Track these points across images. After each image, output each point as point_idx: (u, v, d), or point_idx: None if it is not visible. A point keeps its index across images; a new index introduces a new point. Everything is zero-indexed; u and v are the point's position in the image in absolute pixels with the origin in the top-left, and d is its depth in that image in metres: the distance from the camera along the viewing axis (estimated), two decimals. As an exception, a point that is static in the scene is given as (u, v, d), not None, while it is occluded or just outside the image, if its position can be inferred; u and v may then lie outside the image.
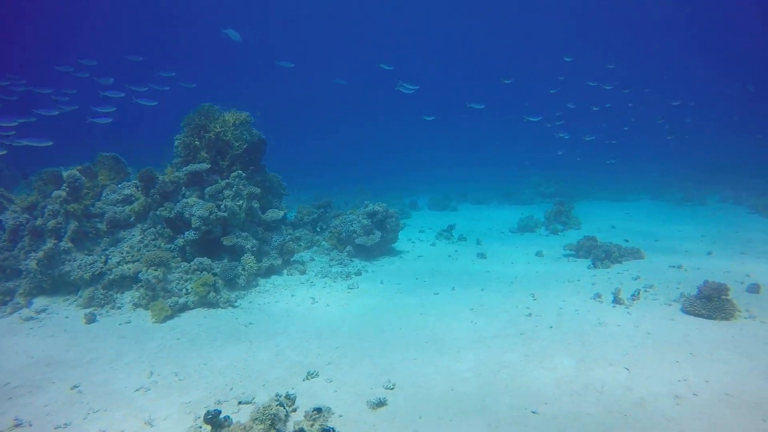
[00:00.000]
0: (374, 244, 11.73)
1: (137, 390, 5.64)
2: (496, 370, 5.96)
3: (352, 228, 12.05)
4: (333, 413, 5.19)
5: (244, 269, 9.25)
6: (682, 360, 6.00)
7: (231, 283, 9.00)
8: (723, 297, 7.52)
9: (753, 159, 29.75)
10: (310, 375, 6.05)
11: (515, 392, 5.39)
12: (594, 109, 26.22)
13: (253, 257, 9.50)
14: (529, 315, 7.83)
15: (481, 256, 12.23)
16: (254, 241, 9.85)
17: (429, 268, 11.19)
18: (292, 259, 10.87)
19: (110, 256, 8.90)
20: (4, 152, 9.49)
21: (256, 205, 10.18)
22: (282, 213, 10.89)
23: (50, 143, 9.66)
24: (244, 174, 10.03)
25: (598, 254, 11.12)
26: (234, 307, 8.50)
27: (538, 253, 12.38)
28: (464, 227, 16.43)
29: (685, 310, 7.70)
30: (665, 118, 27.59)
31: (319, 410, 5.05)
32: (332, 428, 4.64)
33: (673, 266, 10.64)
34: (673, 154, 36.08)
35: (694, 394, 5.16)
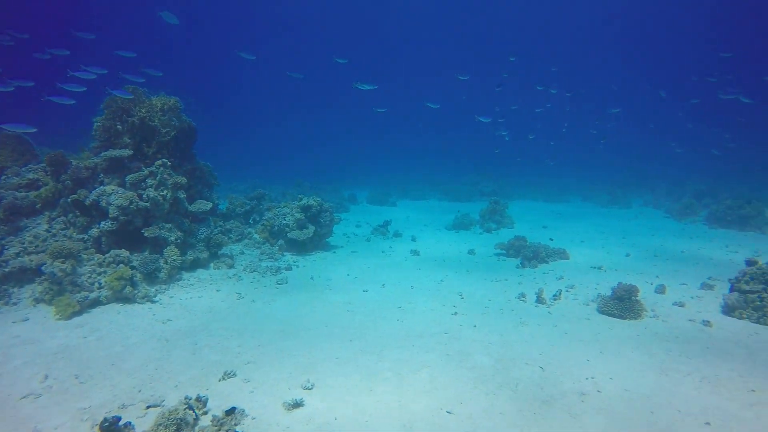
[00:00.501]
0: (307, 238, 11.51)
1: (24, 397, 5.15)
2: (416, 369, 5.97)
3: (284, 221, 11.76)
4: (246, 415, 5.00)
5: (166, 262, 8.77)
6: (592, 358, 6.27)
7: (151, 276, 8.51)
8: (633, 298, 7.97)
9: (670, 165, 32.04)
10: (227, 375, 5.81)
11: (433, 392, 5.42)
12: (537, 111, 27.29)
13: (177, 250, 9.03)
14: (455, 314, 7.94)
15: (415, 253, 12.32)
16: (179, 232, 9.36)
17: (361, 265, 11.13)
18: (220, 253, 10.45)
19: (7, 246, 8.13)
20: None
21: (182, 196, 9.67)
22: (210, 204, 10.44)
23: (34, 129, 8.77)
24: (170, 162, 9.48)
25: (527, 254, 11.50)
26: (153, 302, 8.03)
27: (471, 251, 12.64)
28: (401, 223, 16.53)
29: (600, 310, 8.09)
30: (598, 123, 29.12)
31: (231, 412, 4.84)
32: (240, 433, 4.44)
33: (594, 267, 11.18)
34: (604, 158, 38.15)
35: (599, 391, 5.40)
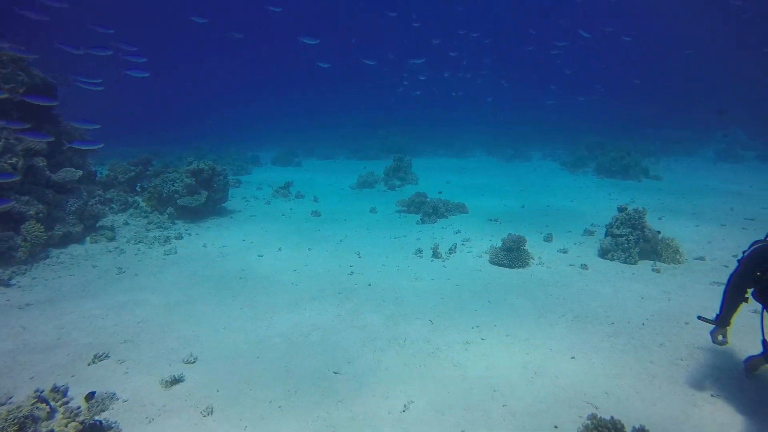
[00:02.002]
0: (200, 204, 10.79)
1: None
2: (306, 332, 5.84)
3: (173, 188, 10.90)
4: (117, 399, 4.59)
5: (26, 240, 7.74)
6: (480, 308, 6.51)
7: (4, 258, 7.48)
8: (521, 248, 8.38)
9: (570, 119, 34.09)
10: (98, 357, 5.31)
11: (321, 354, 5.32)
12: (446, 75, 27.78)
13: (39, 225, 7.99)
14: (351, 273, 7.88)
15: (315, 214, 12.06)
16: (40, 205, 8.28)
17: (259, 229, 10.69)
18: (98, 225, 9.48)
19: None
20: None
21: (41, 164, 8.50)
22: (80, 172, 9.31)
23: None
24: (22, 126, 8.23)
25: (426, 210, 11.69)
26: (7, 286, 7.09)
27: (372, 210, 12.62)
28: (304, 184, 16.11)
29: (492, 261, 8.43)
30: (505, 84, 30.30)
31: (90, 397, 4.41)
32: (99, 422, 4.04)
33: (491, 219, 11.65)
34: (509, 114, 39.62)
35: (482, 339, 5.61)
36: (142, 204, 11.11)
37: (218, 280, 7.61)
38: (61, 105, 9.49)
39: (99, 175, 11.65)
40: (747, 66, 42.64)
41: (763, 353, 4.10)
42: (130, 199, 11.24)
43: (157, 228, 10.20)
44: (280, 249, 9.19)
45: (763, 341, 4.03)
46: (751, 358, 4.60)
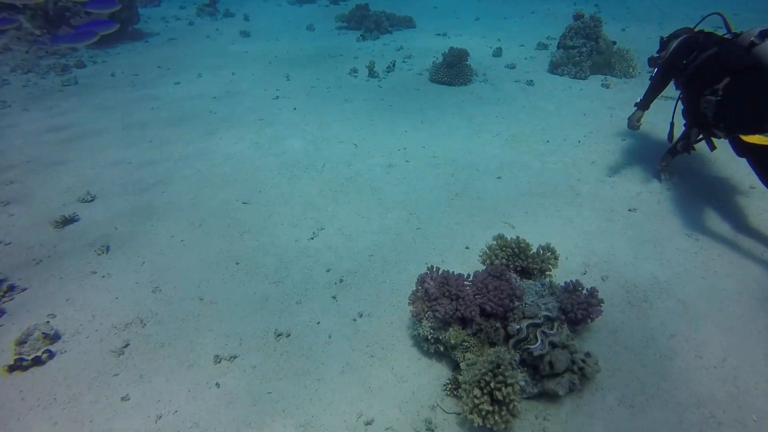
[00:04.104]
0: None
1: None
2: (218, 164, 5.31)
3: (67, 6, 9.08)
4: None
5: None
6: (412, 129, 6.03)
7: None
8: (464, 62, 7.60)
9: None
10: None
11: (232, 185, 4.89)
12: None
13: None
14: (277, 98, 7.11)
15: (244, 34, 10.62)
16: None
17: (178, 53, 9.37)
18: (-27, 51, 7.97)
19: None
20: None
21: None
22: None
23: None
24: None
25: (368, 25, 10.39)
26: None
27: (309, 27, 11.19)
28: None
29: (432, 79, 7.71)
30: None
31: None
32: (-34, 267, 3.62)
33: (440, 34, 10.53)
34: None
35: (407, 161, 5.23)
36: (27, 24, 9.34)
37: (127, 111, 6.74)
38: None
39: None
40: None
41: (668, 136, 4.47)
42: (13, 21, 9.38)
43: (51, 55, 8.73)
44: (200, 75, 8.13)
45: (671, 123, 4.33)
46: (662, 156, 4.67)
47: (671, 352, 2.86)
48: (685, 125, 4.23)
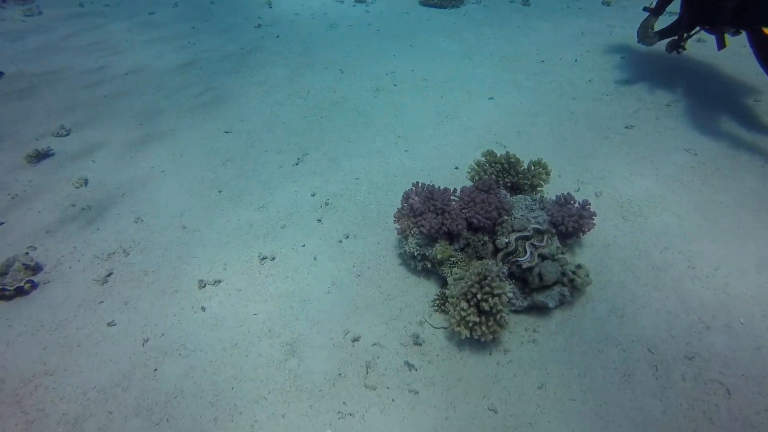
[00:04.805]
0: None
1: None
2: (199, 94, 5.06)
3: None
4: None
5: None
6: (400, 53, 5.75)
7: None
8: (456, -18, 7.13)
9: None
10: None
11: (213, 115, 4.67)
12: None
13: None
14: (259, 27, 6.70)
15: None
16: None
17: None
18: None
19: None
20: None
21: None
22: None
23: None
24: None
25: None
26: None
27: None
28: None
29: (421, 2, 7.27)
30: None
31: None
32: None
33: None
34: None
35: (395, 85, 5.00)
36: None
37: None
38: None
39: None
40: None
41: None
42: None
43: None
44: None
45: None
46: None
47: (664, 264, 2.80)
48: (679, 23, 3.99)
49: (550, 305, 2.50)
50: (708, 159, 3.57)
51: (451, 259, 2.57)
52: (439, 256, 2.56)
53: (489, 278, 2.29)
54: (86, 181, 3.91)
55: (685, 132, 3.88)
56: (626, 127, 4.02)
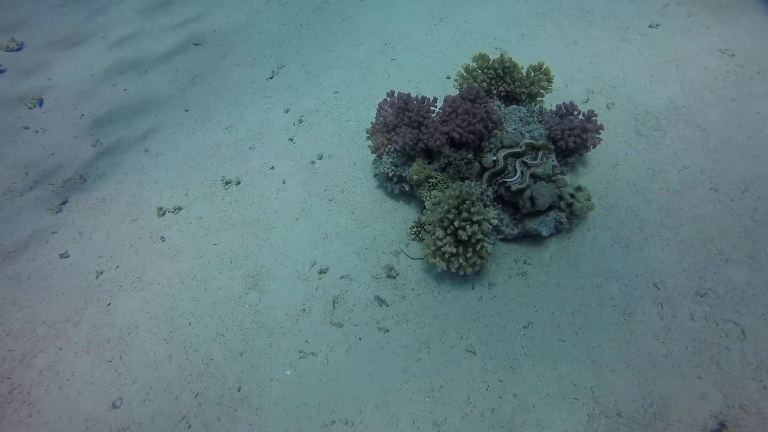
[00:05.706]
0: None
1: None
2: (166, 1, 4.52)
3: None
4: None
5: None
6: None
7: None
8: None
9: None
10: None
11: (180, 25, 4.17)
12: None
13: None
14: None
15: None
16: None
17: None
18: None
19: None
20: None
21: None
22: None
23: None
24: None
25: None
26: None
27: None
28: None
29: None
30: None
31: None
32: None
33: None
34: None
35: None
36: None
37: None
38: None
39: None
40: None
41: None
42: None
43: None
44: None
45: None
46: None
47: (682, 185, 2.41)
48: None
49: (544, 233, 2.18)
50: (747, 61, 3.03)
51: (429, 180, 2.22)
52: (415, 177, 2.21)
53: (468, 202, 1.94)
54: (41, 102, 3.58)
55: (722, 30, 3.29)
56: (650, 26, 3.43)
